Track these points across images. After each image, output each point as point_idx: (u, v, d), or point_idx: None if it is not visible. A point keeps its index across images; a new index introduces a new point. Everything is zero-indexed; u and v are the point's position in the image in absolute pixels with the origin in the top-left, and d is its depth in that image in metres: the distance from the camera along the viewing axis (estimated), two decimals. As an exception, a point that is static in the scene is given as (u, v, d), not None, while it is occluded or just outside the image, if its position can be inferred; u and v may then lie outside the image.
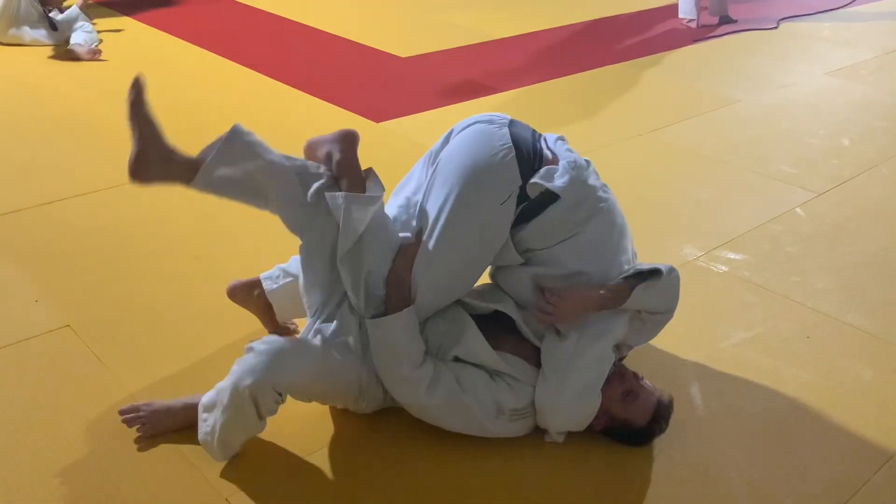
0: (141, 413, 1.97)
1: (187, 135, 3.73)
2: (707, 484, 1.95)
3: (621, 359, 2.16)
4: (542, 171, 1.95)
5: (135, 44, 5.12)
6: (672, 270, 2.04)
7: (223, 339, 2.32)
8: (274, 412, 1.86)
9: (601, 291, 1.99)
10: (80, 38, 4.82)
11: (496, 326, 2.06)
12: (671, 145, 3.92)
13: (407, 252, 1.97)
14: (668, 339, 2.43)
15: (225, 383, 1.84)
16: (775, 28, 6.07)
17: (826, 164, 3.77)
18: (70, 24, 4.92)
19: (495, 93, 4.46)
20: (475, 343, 1.98)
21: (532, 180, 1.94)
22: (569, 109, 4.32)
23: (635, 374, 2.05)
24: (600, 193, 2.05)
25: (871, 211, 3.34)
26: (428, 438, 2.02)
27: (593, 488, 1.93)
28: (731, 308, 2.65)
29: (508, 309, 2.07)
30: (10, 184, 3.24)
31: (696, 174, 3.63)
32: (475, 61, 5.08)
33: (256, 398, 1.80)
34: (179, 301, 2.53)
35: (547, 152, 2.02)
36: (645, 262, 2.10)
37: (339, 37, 5.44)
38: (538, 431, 2.03)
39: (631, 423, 2.00)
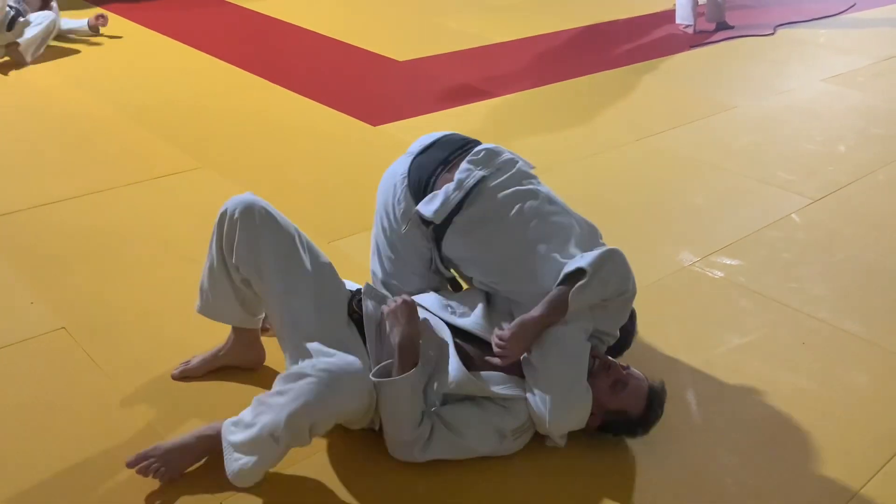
0: (152, 459, 1.85)
1: (186, 138, 3.74)
2: (702, 489, 1.95)
3: (608, 350, 2.16)
4: (427, 197, 2.11)
5: (134, 47, 5.12)
6: (605, 258, 1.97)
7: (217, 341, 2.30)
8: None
9: (539, 313, 1.97)
10: (30, 32, 4.60)
11: (480, 340, 2.06)
12: (667, 151, 3.93)
13: (414, 313, 1.96)
14: (664, 345, 2.43)
15: (274, 416, 1.77)
16: (772, 34, 6.09)
17: (822, 170, 3.77)
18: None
19: (492, 97, 4.46)
20: (459, 376, 1.94)
21: (416, 208, 2.12)
22: (566, 114, 4.32)
23: (622, 365, 2.04)
24: (507, 210, 2.08)
25: (867, 217, 3.34)
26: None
27: (589, 494, 1.92)
28: (727, 314, 2.65)
29: (474, 326, 2.06)
30: (6, 185, 3.23)
31: (692, 180, 3.63)
32: (472, 65, 5.08)
33: (315, 427, 1.80)
34: (174, 303, 2.52)
35: (447, 174, 2.13)
36: (583, 257, 2.02)
37: (337, 40, 5.44)
38: (538, 437, 2.03)
39: (627, 412, 1.99)
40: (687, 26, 6.03)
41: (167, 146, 3.64)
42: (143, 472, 1.84)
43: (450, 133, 2.27)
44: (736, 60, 5.45)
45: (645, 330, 2.50)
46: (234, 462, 1.82)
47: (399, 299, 1.97)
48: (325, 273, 2.08)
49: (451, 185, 2.08)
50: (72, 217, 3.02)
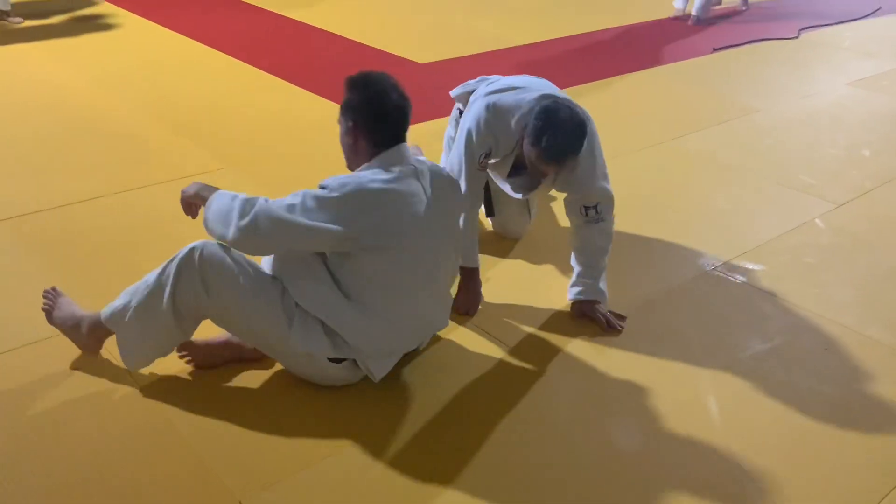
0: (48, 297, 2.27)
1: (209, 139, 3.76)
2: (723, 494, 1.93)
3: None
4: None
5: (156, 48, 5.16)
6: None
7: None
8: (191, 312, 2.07)
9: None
10: None
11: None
12: (690, 154, 3.90)
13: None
14: (686, 349, 2.42)
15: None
16: (796, 38, 6.04)
17: (846, 174, 3.74)
18: None
19: (513, 99, 4.45)
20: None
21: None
22: (587, 117, 4.30)
23: None
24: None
25: (892, 223, 3.31)
26: (440, 440, 2.02)
27: (606, 498, 1.91)
28: (749, 319, 2.63)
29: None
30: (32, 184, 3.26)
31: (715, 183, 3.61)
32: (493, 68, 5.04)
33: (181, 272, 2.03)
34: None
35: None
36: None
37: (358, 42, 5.46)
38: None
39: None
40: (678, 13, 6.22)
41: (192, 146, 3.66)
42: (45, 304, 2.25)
43: None
44: (759, 63, 5.41)
45: (666, 334, 2.49)
46: (116, 302, 2.22)
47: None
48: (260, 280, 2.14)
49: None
50: (97, 216, 3.04)
